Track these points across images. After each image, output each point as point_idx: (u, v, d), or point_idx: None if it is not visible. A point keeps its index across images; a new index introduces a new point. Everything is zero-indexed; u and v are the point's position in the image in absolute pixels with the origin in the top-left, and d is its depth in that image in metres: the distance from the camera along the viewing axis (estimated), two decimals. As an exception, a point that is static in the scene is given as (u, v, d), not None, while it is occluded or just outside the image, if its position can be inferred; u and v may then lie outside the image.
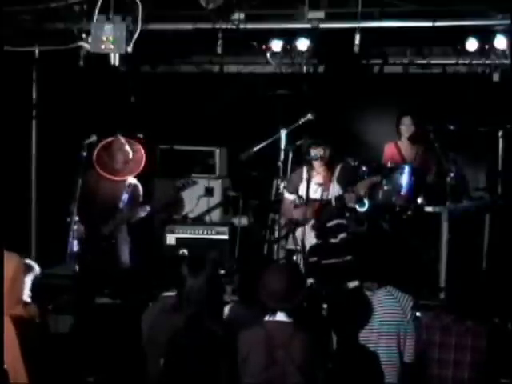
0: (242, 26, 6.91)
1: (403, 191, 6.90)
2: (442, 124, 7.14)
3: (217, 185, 8.27)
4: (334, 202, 6.35)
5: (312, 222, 6.37)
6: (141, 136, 7.26)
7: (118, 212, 6.71)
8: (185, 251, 7.38)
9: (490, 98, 7.60)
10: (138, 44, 6.17)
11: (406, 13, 6.78)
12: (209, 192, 8.20)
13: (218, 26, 6.91)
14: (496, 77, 7.71)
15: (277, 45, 7.60)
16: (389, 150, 7.50)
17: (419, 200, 6.83)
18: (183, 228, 7.57)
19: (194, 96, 8.55)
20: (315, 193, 6.45)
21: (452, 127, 7.09)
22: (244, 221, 7.91)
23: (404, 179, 6.89)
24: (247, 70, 8.54)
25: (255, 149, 6.97)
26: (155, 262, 7.37)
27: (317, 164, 6.46)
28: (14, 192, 7.04)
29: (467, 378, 4.48)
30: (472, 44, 7.14)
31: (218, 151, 8.37)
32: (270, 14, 7.19)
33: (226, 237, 7.47)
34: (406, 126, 7.37)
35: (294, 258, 6.19)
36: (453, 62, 7.80)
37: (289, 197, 6.57)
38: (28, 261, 3.96)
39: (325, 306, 5.45)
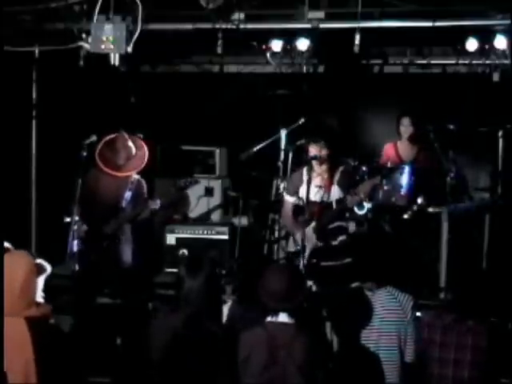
0: (242, 26, 6.90)
1: (403, 191, 6.91)
2: (441, 124, 7.14)
3: (217, 185, 8.28)
4: (334, 205, 6.33)
5: (312, 224, 6.36)
6: (141, 136, 7.25)
7: (121, 211, 6.70)
8: (185, 251, 7.38)
9: (490, 98, 7.60)
10: (137, 44, 6.17)
11: (406, 13, 6.77)
12: (209, 192, 8.21)
13: (218, 26, 6.90)
14: (496, 77, 7.72)
15: (277, 45, 7.60)
16: (387, 150, 7.52)
17: (419, 200, 6.83)
18: (183, 228, 7.57)
19: (194, 96, 8.55)
20: (315, 195, 6.42)
21: (452, 127, 7.09)
22: (244, 221, 7.91)
23: (404, 179, 6.90)
24: (247, 70, 8.54)
25: (255, 149, 6.97)
26: (155, 262, 7.40)
27: (316, 164, 6.44)
28: (14, 192, 7.05)
29: (467, 378, 4.49)
30: (472, 44, 7.14)
31: (217, 151, 8.38)
32: (269, 14, 7.19)
33: (226, 237, 7.47)
34: (405, 127, 7.39)
35: (295, 259, 6.17)
36: (453, 61, 7.80)
37: (289, 199, 6.56)
38: (39, 261, 3.95)
39: (325, 306, 5.45)
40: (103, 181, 6.76)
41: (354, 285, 5.24)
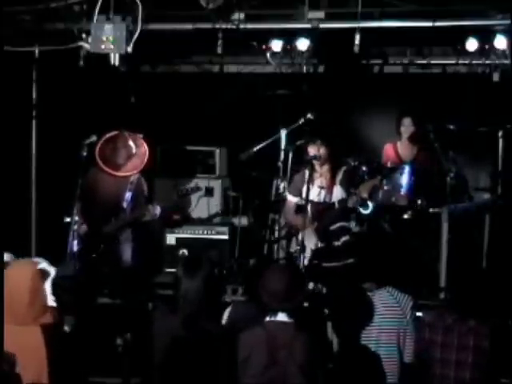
0: (242, 26, 6.90)
1: (403, 191, 6.91)
2: (441, 124, 7.14)
3: (217, 185, 8.27)
4: (336, 206, 6.31)
5: (315, 225, 6.35)
6: (141, 136, 7.24)
7: (122, 211, 6.70)
8: (185, 251, 7.38)
9: (490, 98, 7.60)
10: (137, 44, 6.18)
11: (406, 13, 6.77)
12: (209, 192, 8.20)
13: (218, 26, 6.90)
14: (496, 77, 7.71)
15: (277, 45, 7.60)
16: (387, 150, 7.52)
17: (419, 200, 6.83)
18: (183, 228, 7.57)
19: (194, 96, 8.55)
20: (318, 196, 6.40)
21: (452, 127, 7.09)
22: (244, 221, 7.91)
23: (404, 179, 6.90)
24: (247, 70, 8.53)
25: (255, 149, 6.97)
26: (155, 262, 7.40)
27: (317, 164, 6.42)
28: (14, 192, 7.05)
29: (469, 378, 4.48)
30: (472, 44, 7.14)
31: (218, 151, 8.37)
32: (270, 14, 7.19)
33: (226, 237, 7.48)
34: (406, 127, 7.38)
35: (295, 259, 6.17)
36: (453, 61, 7.80)
37: (292, 199, 6.53)
38: (41, 266, 3.94)
39: (325, 306, 5.45)
40: (103, 181, 6.76)
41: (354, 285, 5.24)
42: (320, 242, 6.32)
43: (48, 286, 3.91)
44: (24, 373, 3.64)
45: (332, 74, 8.24)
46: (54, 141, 7.65)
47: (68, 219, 6.46)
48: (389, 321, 4.82)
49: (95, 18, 6.15)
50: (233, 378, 4.09)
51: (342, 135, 7.75)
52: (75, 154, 6.58)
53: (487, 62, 7.34)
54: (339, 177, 6.45)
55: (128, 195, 6.72)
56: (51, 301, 3.90)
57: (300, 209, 6.38)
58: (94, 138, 6.62)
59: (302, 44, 7.39)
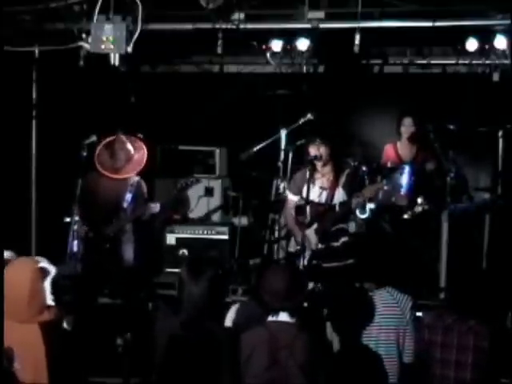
0: (242, 26, 6.90)
1: (403, 191, 6.91)
2: (441, 124, 7.14)
3: (217, 185, 8.27)
4: (337, 208, 6.29)
5: (315, 226, 6.34)
6: (141, 136, 7.25)
7: (123, 212, 6.70)
8: (185, 251, 7.38)
9: (490, 98, 7.60)
10: (137, 44, 6.17)
11: (406, 13, 6.77)
12: (209, 192, 8.20)
13: (218, 26, 6.90)
14: (496, 77, 7.72)
15: (277, 45, 7.60)
16: (387, 151, 7.52)
17: (419, 200, 6.83)
18: (183, 228, 7.58)
19: (194, 96, 8.55)
20: (319, 196, 6.36)
21: (452, 127, 7.09)
22: (244, 221, 7.92)
23: (404, 179, 6.91)
24: (247, 70, 8.54)
25: (255, 149, 6.98)
26: (156, 262, 7.40)
27: (318, 164, 6.39)
28: (14, 192, 7.05)
29: (469, 379, 4.49)
30: (472, 44, 7.14)
31: (218, 151, 8.37)
32: (270, 14, 7.18)
33: (226, 237, 7.48)
34: (407, 127, 7.38)
35: (296, 260, 6.16)
36: (453, 61, 7.81)
37: (293, 198, 6.48)
38: (42, 264, 3.94)
39: (325, 306, 5.45)
40: (103, 183, 6.77)
41: (355, 285, 5.24)
42: (320, 243, 6.31)
43: (48, 284, 3.91)
44: (22, 369, 3.65)
45: (332, 74, 8.25)
46: (54, 141, 7.65)
47: (68, 219, 6.47)
48: (388, 320, 4.82)
49: (95, 18, 6.14)
50: (236, 379, 4.09)
51: (342, 135, 7.75)
52: (75, 154, 6.59)
53: (487, 62, 7.34)
54: (342, 179, 6.34)
55: (128, 196, 6.73)
56: (50, 300, 3.91)
57: (300, 209, 6.36)
58: (94, 138, 6.63)
59: (302, 44, 7.39)
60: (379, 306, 4.84)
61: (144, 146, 6.86)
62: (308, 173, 6.25)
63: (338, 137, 6.97)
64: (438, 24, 6.62)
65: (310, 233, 6.24)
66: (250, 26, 6.97)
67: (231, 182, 8.44)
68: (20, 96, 7.49)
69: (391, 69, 8.32)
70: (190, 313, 4.09)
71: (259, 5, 7.07)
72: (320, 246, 6.30)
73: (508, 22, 6.55)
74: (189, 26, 7.05)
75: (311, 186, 6.19)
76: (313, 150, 6.28)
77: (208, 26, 6.95)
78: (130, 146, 6.80)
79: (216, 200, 8.24)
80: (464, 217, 6.94)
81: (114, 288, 6.36)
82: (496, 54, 7.13)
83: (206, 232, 7.49)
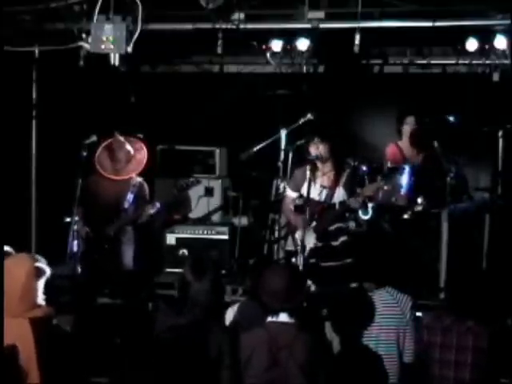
0: (242, 26, 6.90)
1: (403, 191, 6.90)
2: (441, 117, 7.14)
3: (217, 185, 8.27)
4: (337, 207, 6.30)
5: (314, 224, 6.35)
6: (141, 136, 7.25)
7: (123, 212, 6.71)
8: (185, 251, 7.38)
9: (490, 98, 7.60)
10: (137, 44, 6.17)
11: (406, 13, 6.77)
12: (209, 192, 8.20)
13: (218, 26, 6.90)
14: (496, 77, 7.71)
15: (277, 45, 7.59)
16: (390, 150, 7.49)
17: (419, 200, 6.83)
18: (183, 228, 7.58)
19: (194, 96, 8.55)
20: (319, 195, 6.38)
21: (452, 118, 7.08)
22: (244, 221, 7.92)
23: (404, 179, 6.89)
24: (247, 70, 8.53)
25: (255, 149, 6.97)
26: (156, 262, 7.40)
27: (319, 163, 6.41)
28: (14, 192, 7.05)
29: (469, 379, 4.49)
30: (472, 44, 7.13)
31: (218, 151, 8.37)
32: (269, 14, 7.19)
33: (226, 237, 7.48)
34: (409, 125, 7.36)
35: (294, 259, 6.16)
36: (453, 61, 7.80)
37: (291, 194, 6.51)
38: (38, 264, 3.97)
39: (325, 306, 5.45)
40: (105, 183, 6.78)
41: (354, 285, 5.25)
42: (318, 242, 6.31)
43: (41, 284, 3.94)
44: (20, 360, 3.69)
45: (332, 73, 8.24)
46: (54, 141, 7.65)
47: (68, 219, 6.47)
48: (388, 320, 4.82)
49: (95, 17, 6.15)
50: (237, 379, 4.09)
51: (342, 135, 7.74)
52: (75, 154, 6.59)
53: (487, 62, 7.33)
54: (343, 179, 6.39)
55: (130, 197, 6.74)
56: (41, 299, 3.94)
57: (299, 208, 6.37)
58: (94, 138, 6.63)
59: (302, 44, 7.39)
60: (379, 306, 4.84)
61: (144, 147, 6.86)
62: (309, 171, 6.27)
63: (338, 136, 6.97)
64: (437, 24, 6.62)
65: (309, 231, 6.24)
66: (249, 25, 6.97)
67: (231, 182, 8.43)
68: (20, 96, 7.49)
69: (391, 69, 8.32)
70: (196, 313, 4.09)
71: (259, 5, 7.07)
72: (319, 244, 6.31)
73: (508, 21, 6.55)
74: (189, 26, 7.05)
75: (312, 184, 6.21)
76: (312, 149, 6.31)
77: (208, 25, 6.95)
78: (128, 147, 6.80)
79: (216, 200, 8.23)
80: (464, 217, 6.94)
81: (114, 288, 6.36)
82: (496, 54, 7.13)
83: (205, 232, 7.49)
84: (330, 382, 4.22)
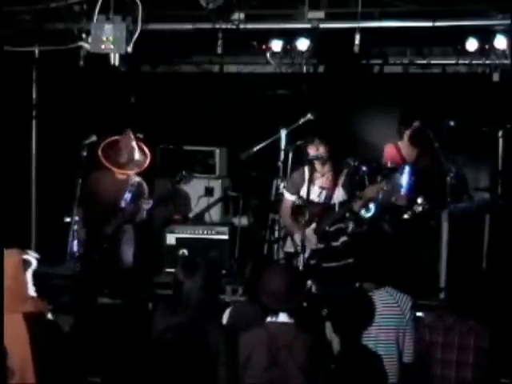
0: (242, 26, 6.90)
1: (403, 191, 6.91)
2: (441, 120, 7.13)
3: (217, 185, 8.28)
4: (337, 208, 6.31)
5: (314, 225, 6.34)
6: (141, 136, 7.25)
7: (121, 211, 6.71)
8: (185, 251, 7.38)
9: (490, 98, 7.60)
10: (137, 44, 6.18)
11: (406, 13, 6.77)
12: (209, 192, 8.21)
13: (218, 26, 6.90)
14: (496, 77, 7.71)
15: (277, 45, 7.59)
16: (389, 150, 7.49)
17: (419, 200, 6.83)
18: (183, 228, 7.57)
19: (194, 96, 8.55)
20: (318, 196, 6.38)
21: (452, 123, 7.08)
22: (244, 221, 7.92)
23: (404, 179, 6.90)
24: (247, 70, 8.53)
25: (255, 149, 6.97)
26: (155, 262, 7.40)
27: (318, 164, 6.40)
28: (14, 192, 7.05)
29: (470, 378, 4.49)
30: (472, 44, 7.13)
31: (218, 151, 8.37)
32: (269, 14, 7.18)
33: (226, 237, 7.47)
34: (414, 129, 7.35)
35: (294, 260, 6.16)
36: (453, 62, 7.80)
37: (289, 198, 6.51)
38: (25, 256, 3.99)
39: (325, 306, 5.45)
40: (104, 182, 6.79)
41: (354, 285, 5.25)
42: (319, 243, 6.31)
43: (29, 275, 3.95)
44: (9, 360, 3.68)
45: (332, 73, 8.24)
46: (54, 141, 7.65)
47: (68, 219, 6.47)
48: (388, 320, 4.83)
49: (95, 17, 6.15)
50: (234, 379, 4.09)
51: (342, 135, 7.75)
52: (75, 154, 6.59)
53: (487, 62, 7.33)
54: (342, 179, 6.39)
55: (127, 196, 6.75)
56: (32, 291, 3.94)
57: (298, 209, 6.37)
58: (94, 138, 6.64)
59: (302, 44, 7.38)
60: (379, 306, 4.84)
61: (149, 154, 6.87)
62: (307, 172, 6.28)
63: (338, 137, 6.97)
64: (438, 24, 6.62)
65: (309, 232, 6.24)
66: (249, 25, 6.96)
67: (231, 182, 8.43)
68: (20, 96, 7.49)
69: (391, 69, 8.32)
70: (189, 312, 4.09)
71: (259, 5, 7.07)
72: (319, 245, 6.31)
73: (508, 21, 6.54)
74: (189, 26, 7.04)
75: (311, 185, 6.21)
76: (312, 150, 6.29)
77: (208, 26, 6.95)
78: (134, 145, 6.81)
79: (216, 200, 8.24)
80: (464, 217, 6.94)
81: (114, 288, 6.36)
82: (496, 54, 7.12)
83: (205, 232, 7.49)
84: (330, 381, 4.22)
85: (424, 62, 8.11)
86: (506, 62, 7.10)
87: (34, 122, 7.68)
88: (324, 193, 6.39)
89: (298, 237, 6.25)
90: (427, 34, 7.14)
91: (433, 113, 7.58)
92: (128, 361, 5.11)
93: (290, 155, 6.56)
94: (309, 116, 6.73)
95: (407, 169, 6.92)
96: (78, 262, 6.40)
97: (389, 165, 6.91)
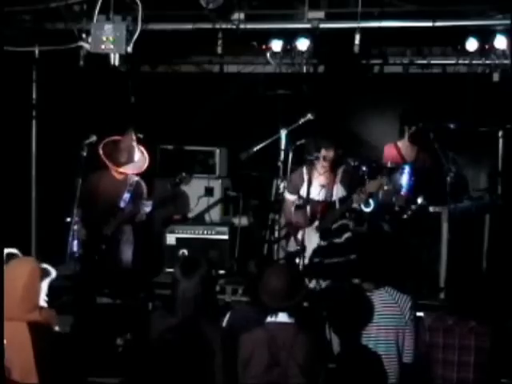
0: (242, 26, 6.90)
1: (403, 191, 6.92)
2: (442, 123, 7.14)
3: (217, 185, 8.28)
4: (337, 204, 6.34)
5: (316, 223, 6.36)
6: (141, 136, 7.25)
7: (120, 211, 6.71)
8: (185, 251, 7.38)
9: (490, 98, 7.60)
10: (137, 44, 6.17)
11: (406, 13, 6.77)
12: (209, 192, 8.21)
13: (218, 26, 6.91)
14: (496, 77, 7.72)
15: (277, 45, 7.60)
16: (389, 150, 7.50)
17: (419, 200, 6.83)
18: (183, 228, 7.57)
19: (194, 96, 8.55)
20: (319, 194, 6.43)
21: (452, 126, 7.09)
22: (244, 221, 7.92)
23: (404, 179, 6.91)
24: (247, 70, 8.53)
25: (255, 149, 6.97)
26: (155, 262, 7.40)
27: (321, 165, 6.44)
28: (14, 192, 7.04)
29: (472, 379, 4.49)
30: (472, 44, 7.14)
31: (218, 151, 8.37)
32: (270, 13, 7.19)
33: (226, 237, 7.47)
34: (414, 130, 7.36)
35: (297, 259, 6.17)
36: (453, 62, 7.80)
37: (290, 197, 6.55)
38: (44, 265, 3.96)
39: (325, 306, 5.45)
40: (103, 183, 6.79)
41: (355, 281, 5.24)
42: (321, 241, 6.33)
43: (45, 285, 3.91)
44: (11, 368, 3.65)
45: (332, 74, 8.24)
46: (54, 141, 7.65)
47: (68, 219, 6.47)
48: (387, 320, 4.82)
49: (95, 18, 6.15)
50: (233, 380, 4.09)
51: (342, 135, 7.75)
52: (75, 154, 6.59)
53: (487, 62, 7.34)
54: (339, 176, 6.48)
55: (126, 196, 6.75)
56: (43, 301, 3.90)
57: (300, 207, 6.40)
58: (94, 138, 6.63)
59: (302, 44, 7.39)
60: (378, 306, 4.84)
61: (148, 157, 6.87)
62: (306, 172, 6.33)
63: (338, 137, 6.98)
64: (438, 24, 6.62)
65: (311, 231, 6.26)
66: (249, 25, 6.97)
67: (231, 182, 8.43)
68: (20, 96, 7.49)
69: (391, 69, 8.32)
70: (184, 312, 4.09)
71: (259, 5, 7.07)
72: (322, 243, 6.33)
73: (508, 22, 6.53)
74: (189, 26, 7.05)
75: (310, 184, 6.25)
76: (325, 153, 6.37)
77: (208, 25, 6.95)
78: (135, 146, 6.81)
79: (216, 200, 8.24)
80: (464, 217, 6.94)
81: (114, 288, 6.36)
82: (496, 54, 7.13)
83: (205, 232, 7.49)
84: (330, 381, 4.22)
85: (424, 62, 8.11)
86: (506, 61, 7.10)
87: (34, 121, 7.67)
88: (324, 190, 6.44)
89: (299, 235, 6.27)
90: (427, 34, 7.14)
91: (433, 113, 7.59)
92: (128, 360, 5.11)
93: (290, 155, 6.56)
94: (309, 116, 6.73)
95: (407, 169, 6.92)
96: (78, 262, 6.39)
97: (389, 165, 6.92)
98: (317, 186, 6.44)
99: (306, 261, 6.07)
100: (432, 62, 8.09)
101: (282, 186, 6.75)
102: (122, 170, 6.76)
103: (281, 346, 4.06)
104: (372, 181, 6.34)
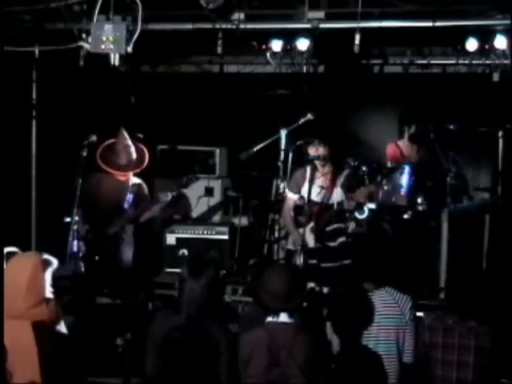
0: (242, 26, 6.90)
1: (403, 191, 6.90)
2: (441, 124, 7.14)
3: (217, 185, 8.27)
4: (335, 207, 6.32)
5: (311, 224, 6.35)
6: (141, 136, 7.25)
7: (123, 212, 6.71)
8: (185, 251, 7.38)
9: (490, 98, 7.60)
10: (137, 44, 6.18)
11: (406, 13, 6.77)
12: (209, 192, 8.20)
13: (218, 26, 6.91)
14: (496, 77, 7.72)
15: (277, 45, 7.60)
16: (391, 149, 7.49)
17: (419, 200, 6.83)
18: (183, 228, 7.57)
19: (194, 96, 8.55)
20: (318, 195, 6.41)
21: (452, 127, 7.09)
22: (244, 221, 7.91)
23: (404, 179, 6.89)
24: (247, 70, 8.54)
25: (255, 149, 6.97)
26: (155, 262, 7.40)
27: (318, 164, 6.43)
28: (14, 192, 7.04)
29: (471, 379, 4.49)
30: (472, 44, 7.14)
31: (218, 151, 8.37)
32: (270, 13, 7.19)
33: (226, 237, 7.47)
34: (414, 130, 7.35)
35: (294, 258, 6.17)
36: (453, 61, 7.80)
37: (292, 197, 6.52)
38: (45, 255, 3.93)
39: (325, 307, 5.45)
40: (105, 184, 6.78)
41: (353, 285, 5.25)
42: (316, 242, 6.32)
43: (48, 275, 3.86)
44: (16, 369, 3.62)
45: (332, 73, 8.24)
46: (54, 141, 7.65)
47: (68, 219, 6.46)
48: (387, 320, 4.83)
49: (95, 18, 6.16)
50: (236, 380, 4.09)
51: (342, 135, 7.75)
52: (75, 154, 6.58)
53: (487, 62, 7.34)
54: (341, 179, 6.44)
55: (129, 197, 6.74)
56: (49, 292, 3.85)
57: (298, 209, 6.38)
58: (93, 138, 6.62)
59: (302, 44, 7.39)
60: (378, 306, 4.85)
61: (145, 150, 6.86)
62: (308, 172, 6.31)
63: (338, 137, 6.97)
64: (438, 24, 6.63)
65: (307, 232, 6.25)
66: (249, 25, 6.97)
67: (231, 182, 8.43)
68: (20, 96, 7.49)
69: (391, 69, 8.32)
70: (190, 312, 4.09)
71: (259, 5, 7.08)
72: (317, 245, 6.32)
73: (508, 22, 6.53)
74: (189, 26, 7.05)
75: (311, 184, 6.24)
76: (312, 151, 6.32)
77: (208, 25, 6.95)
78: (130, 143, 6.80)
79: (216, 200, 8.24)
80: (464, 217, 6.94)
81: (114, 288, 6.36)
82: (496, 54, 7.14)
83: (205, 232, 7.49)
84: (330, 381, 4.23)
85: (424, 62, 8.11)
86: (506, 61, 7.11)
87: (34, 121, 7.67)
88: (323, 192, 6.42)
89: (297, 236, 6.27)
90: (427, 34, 7.14)
91: (433, 113, 7.58)
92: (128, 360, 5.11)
93: (290, 155, 6.56)
94: (309, 116, 6.73)
95: (407, 169, 6.91)
96: (78, 262, 6.39)
97: (389, 165, 6.92)
98: (317, 186, 6.42)
99: (301, 261, 6.05)
100: (432, 62, 8.09)
101: (282, 186, 6.75)
102: (124, 173, 6.76)
103: (281, 346, 4.06)
104: (362, 188, 6.29)
